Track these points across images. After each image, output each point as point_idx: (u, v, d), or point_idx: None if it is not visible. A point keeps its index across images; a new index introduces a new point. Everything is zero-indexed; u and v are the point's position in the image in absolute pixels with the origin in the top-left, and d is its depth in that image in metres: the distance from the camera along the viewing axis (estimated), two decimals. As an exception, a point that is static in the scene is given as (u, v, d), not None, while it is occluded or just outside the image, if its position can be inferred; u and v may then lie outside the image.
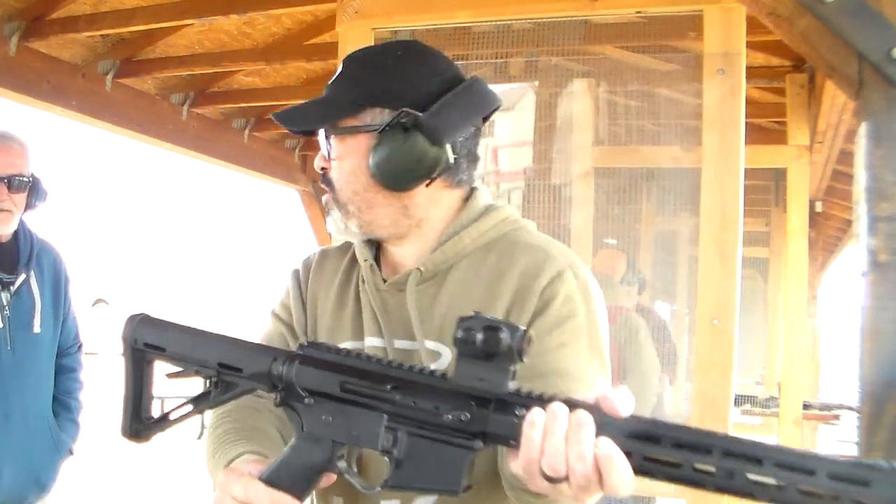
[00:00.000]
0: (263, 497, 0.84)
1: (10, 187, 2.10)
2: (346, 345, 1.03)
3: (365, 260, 1.07)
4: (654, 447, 0.69)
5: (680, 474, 0.68)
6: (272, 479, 0.86)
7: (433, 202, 1.04)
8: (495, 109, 1.06)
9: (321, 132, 1.04)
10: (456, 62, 1.07)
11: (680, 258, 3.44)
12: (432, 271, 1.03)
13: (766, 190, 4.89)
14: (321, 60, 3.47)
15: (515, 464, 0.74)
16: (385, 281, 1.05)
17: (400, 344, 1.02)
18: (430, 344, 1.00)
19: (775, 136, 3.93)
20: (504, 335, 0.73)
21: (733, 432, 0.73)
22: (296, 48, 3.50)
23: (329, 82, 1.06)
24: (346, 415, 0.82)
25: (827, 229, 6.43)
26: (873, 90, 1.14)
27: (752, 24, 1.83)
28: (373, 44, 2.15)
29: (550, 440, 0.70)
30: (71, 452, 2.26)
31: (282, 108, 4.41)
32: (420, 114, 0.97)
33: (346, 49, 2.17)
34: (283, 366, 0.86)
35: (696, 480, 0.67)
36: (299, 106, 1.07)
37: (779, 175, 4.32)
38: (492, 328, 0.73)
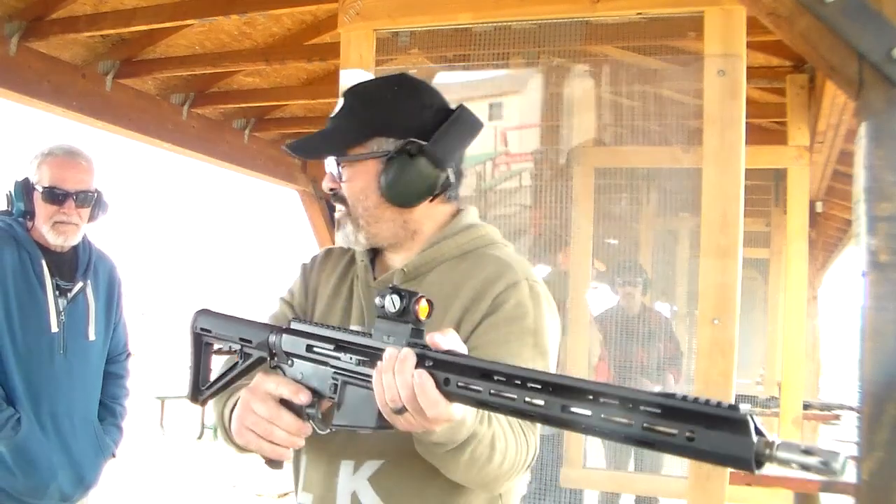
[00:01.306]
0: (292, 387, 1.04)
1: (76, 202, 2.19)
2: None
3: (362, 261, 1.25)
4: (457, 375, 0.83)
5: (480, 398, 0.81)
6: None
7: (428, 217, 1.22)
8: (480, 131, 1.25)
9: (330, 158, 1.20)
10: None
11: (680, 258, 3.45)
12: (413, 273, 1.20)
13: (766, 190, 4.89)
14: (321, 60, 3.47)
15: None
16: (375, 279, 1.23)
17: None
18: None
19: (775, 136, 3.93)
20: (402, 299, 0.91)
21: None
22: (296, 48, 3.50)
23: (332, 114, 1.22)
24: (310, 371, 1.05)
25: (827, 229, 6.43)
26: (873, 90, 1.14)
27: (753, 25, 1.83)
28: (374, 47, 2.16)
29: (385, 376, 0.88)
30: (113, 455, 2.33)
31: (282, 108, 4.41)
32: (424, 143, 1.15)
33: (348, 50, 2.17)
34: (275, 336, 1.09)
35: (491, 404, 0.80)
36: (309, 137, 1.24)
37: (779, 175, 4.32)
38: (395, 294, 0.91)
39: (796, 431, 3.56)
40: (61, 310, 2.17)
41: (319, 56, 3.41)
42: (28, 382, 2.10)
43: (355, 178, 1.18)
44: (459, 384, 0.83)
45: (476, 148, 1.28)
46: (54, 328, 2.15)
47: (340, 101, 1.22)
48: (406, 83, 1.22)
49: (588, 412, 0.73)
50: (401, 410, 0.88)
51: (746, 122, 1.87)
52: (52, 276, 2.18)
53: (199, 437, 8.86)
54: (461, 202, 1.27)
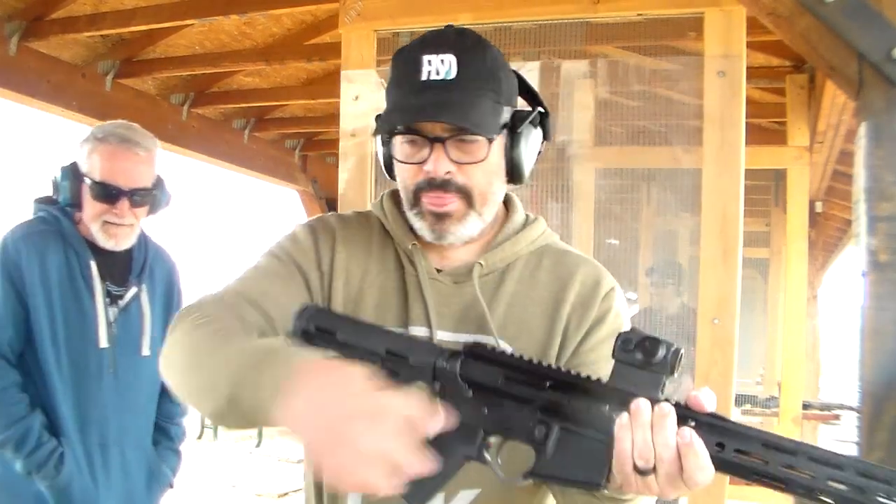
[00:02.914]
0: (425, 407, 0.75)
1: (131, 202, 1.86)
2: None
3: (413, 244, 1.04)
4: (734, 441, 0.74)
5: (764, 470, 0.73)
6: None
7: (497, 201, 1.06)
8: None
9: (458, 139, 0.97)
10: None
11: (680, 258, 3.45)
12: (490, 268, 1.04)
13: (766, 190, 4.90)
14: (321, 60, 3.47)
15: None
16: (438, 271, 1.04)
17: (443, 335, 1.02)
18: (492, 339, 1.02)
19: (775, 136, 3.93)
20: (661, 350, 0.78)
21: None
22: (296, 48, 3.50)
23: (445, 76, 0.95)
24: (502, 407, 0.86)
25: (827, 229, 6.43)
26: (873, 90, 1.14)
27: (753, 25, 1.83)
28: (375, 45, 2.15)
29: (639, 431, 0.74)
30: (171, 485, 2.04)
31: (282, 108, 4.38)
32: (544, 110, 1.03)
33: (348, 51, 2.17)
34: (448, 360, 0.88)
35: (779, 478, 0.72)
36: (435, 108, 0.94)
37: (779, 175, 4.32)
38: (651, 341, 0.78)
39: (796, 431, 3.56)
40: (112, 321, 1.85)
41: (319, 56, 3.41)
42: (76, 408, 1.81)
43: (485, 154, 0.97)
44: (736, 450, 0.74)
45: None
46: (103, 343, 1.83)
47: (451, 59, 0.95)
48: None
49: (846, 488, 0.66)
50: (648, 472, 0.75)
51: (746, 122, 1.87)
52: (103, 280, 1.85)
53: (199, 437, 8.86)
54: None
